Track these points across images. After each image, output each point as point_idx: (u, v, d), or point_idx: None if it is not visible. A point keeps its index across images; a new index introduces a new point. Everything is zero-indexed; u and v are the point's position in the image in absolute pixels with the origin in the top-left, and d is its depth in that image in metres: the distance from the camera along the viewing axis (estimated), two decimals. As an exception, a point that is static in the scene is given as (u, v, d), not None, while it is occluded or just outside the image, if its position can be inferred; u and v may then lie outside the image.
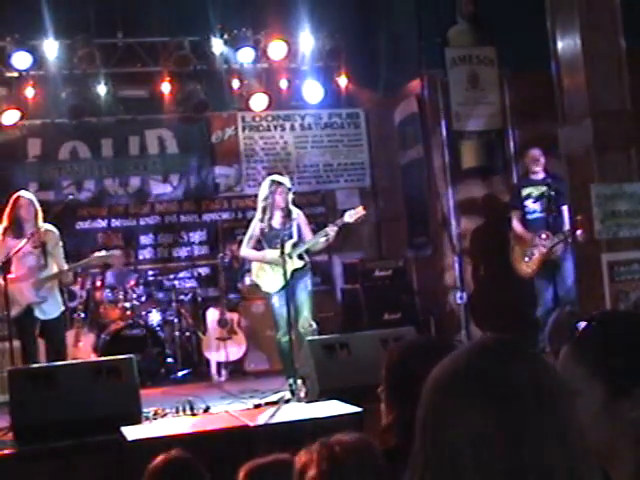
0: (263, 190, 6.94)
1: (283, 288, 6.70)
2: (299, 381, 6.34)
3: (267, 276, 6.92)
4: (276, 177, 7.07)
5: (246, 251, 7.09)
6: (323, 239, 6.82)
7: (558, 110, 6.16)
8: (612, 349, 1.45)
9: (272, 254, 6.79)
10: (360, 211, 6.83)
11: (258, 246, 7.03)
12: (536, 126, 8.68)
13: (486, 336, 1.27)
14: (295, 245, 6.82)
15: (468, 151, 9.20)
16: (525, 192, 8.01)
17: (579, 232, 6.02)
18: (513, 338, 1.26)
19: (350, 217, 6.80)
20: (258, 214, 6.98)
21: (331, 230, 6.73)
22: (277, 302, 6.82)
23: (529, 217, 7.96)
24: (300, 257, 6.86)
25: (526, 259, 7.83)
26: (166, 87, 9.72)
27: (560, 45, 6.07)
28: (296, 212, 6.96)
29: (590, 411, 1.41)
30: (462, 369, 1.21)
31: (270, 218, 6.87)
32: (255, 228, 6.98)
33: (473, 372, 1.20)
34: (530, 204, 7.95)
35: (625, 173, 5.89)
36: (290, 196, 6.92)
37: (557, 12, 6.09)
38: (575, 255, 6.40)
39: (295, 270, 6.76)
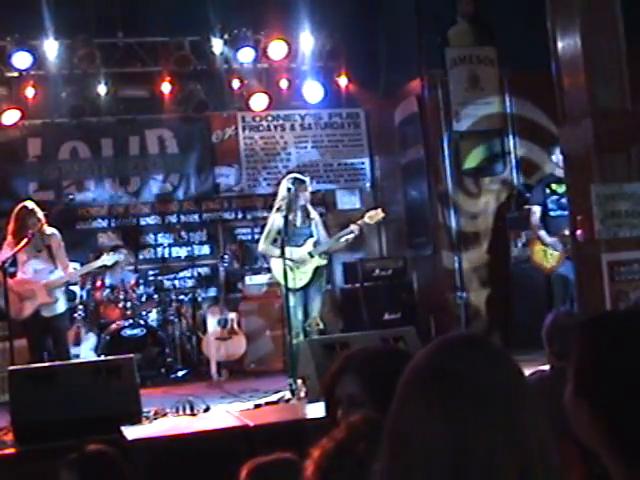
0: (283, 188, 7.02)
1: (302, 288, 6.82)
2: (299, 381, 6.34)
3: (288, 273, 6.97)
4: (298, 175, 7.16)
5: (267, 247, 7.14)
6: (345, 238, 6.93)
7: (558, 110, 6.16)
8: (582, 352, 1.43)
9: (298, 252, 6.88)
10: (380, 213, 7.02)
11: (275, 243, 7.08)
12: (536, 126, 8.69)
13: (451, 333, 1.27)
14: (316, 244, 6.94)
15: (468, 151, 9.21)
16: (550, 189, 7.79)
17: (579, 232, 6.01)
18: (478, 335, 1.26)
19: (370, 219, 6.97)
20: (276, 210, 7.05)
21: (355, 230, 6.87)
22: (293, 301, 6.87)
23: (552, 214, 7.76)
24: (320, 255, 6.99)
25: (550, 253, 7.65)
26: (166, 87, 9.72)
27: (560, 45, 6.06)
28: (314, 212, 7.09)
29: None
30: (417, 366, 1.22)
31: (293, 216, 6.95)
32: (274, 224, 7.04)
33: (425, 369, 1.20)
34: (555, 201, 7.73)
35: (625, 173, 5.88)
36: (309, 195, 7.05)
37: (557, 12, 6.09)
38: (575, 255, 6.39)
39: (317, 268, 6.89)
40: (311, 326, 6.79)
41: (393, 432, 1.19)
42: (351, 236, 6.95)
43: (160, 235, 9.94)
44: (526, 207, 8.09)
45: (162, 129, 10.03)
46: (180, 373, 8.58)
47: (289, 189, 6.93)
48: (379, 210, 7.08)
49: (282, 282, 6.92)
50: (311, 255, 6.87)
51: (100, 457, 3.24)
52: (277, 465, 2.68)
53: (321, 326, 6.87)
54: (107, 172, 9.84)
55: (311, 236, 7.01)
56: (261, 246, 7.23)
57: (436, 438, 1.13)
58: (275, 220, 7.05)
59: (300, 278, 6.88)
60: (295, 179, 7.04)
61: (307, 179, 7.18)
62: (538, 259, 7.77)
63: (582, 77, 5.90)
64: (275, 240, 7.03)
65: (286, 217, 6.92)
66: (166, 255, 9.89)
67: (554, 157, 7.77)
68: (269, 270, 7.71)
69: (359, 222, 6.96)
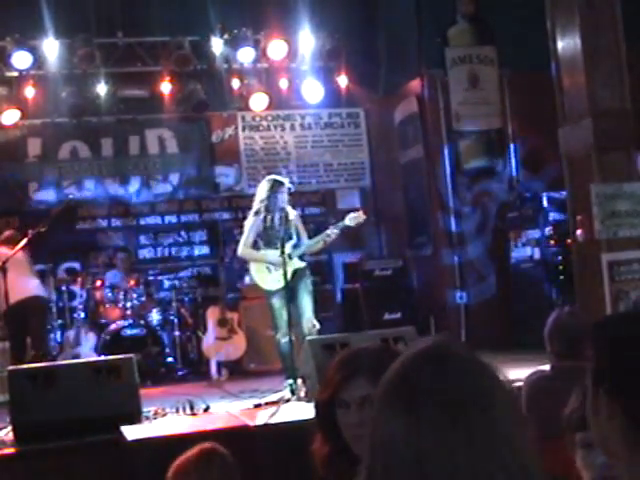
0: (262, 190, 6.90)
1: (283, 288, 6.69)
2: (299, 381, 6.33)
3: (267, 276, 6.89)
4: (277, 177, 7.05)
5: (245, 250, 7.01)
6: (322, 241, 6.79)
7: (558, 110, 6.16)
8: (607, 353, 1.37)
9: (273, 254, 6.76)
10: (361, 215, 6.82)
11: (255, 246, 6.98)
12: (536, 126, 8.69)
13: (423, 343, 1.24)
14: (295, 246, 6.80)
15: (468, 151, 9.21)
16: None
17: (579, 232, 6.01)
18: (452, 347, 1.23)
19: (351, 221, 6.78)
20: (254, 213, 6.93)
21: (332, 233, 6.72)
22: (277, 302, 6.79)
23: None
24: (300, 258, 6.85)
25: None
26: (166, 87, 9.73)
27: (560, 45, 6.06)
28: (293, 213, 6.93)
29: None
30: (389, 376, 1.22)
31: (271, 218, 6.84)
32: (252, 227, 6.92)
33: (393, 379, 1.20)
34: None
35: (625, 173, 5.88)
36: (287, 197, 6.89)
37: (557, 12, 6.09)
38: (575, 255, 6.39)
39: (296, 271, 6.74)
40: (308, 328, 6.71)
41: (370, 437, 1.21)
42: (329, 239, 6.78)
43: (160, 235, 9.95)
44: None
45: (162, 129, 10.04)
46: (180, 373, 8.59)
47: (268, 191, 6.82)
48: (360, 212, 6.87)
49: (261, 285, 6.90)
50: (289, 257, 6.67)
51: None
52: (198, 458, 2.67)
53: (317, 326, 6.77)
54: (107, 172, 9.84)
55: (290, 238, 6.82)
56: (240, 250, 7.09)
57: (398, 447, 1.14)
58: (254, 223, 6.92)
59: (278, 280, 6.74)
60: (274, 181, 6.91)
61: (286, 180, 7.03)
62: None
63: (582, 77, 5.90)
64: (256, 242, 6.92)
65: (265, 219, 6.82)
66: (166, 255, 9.90)
67: None
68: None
69: (338, 224, 6.80)
